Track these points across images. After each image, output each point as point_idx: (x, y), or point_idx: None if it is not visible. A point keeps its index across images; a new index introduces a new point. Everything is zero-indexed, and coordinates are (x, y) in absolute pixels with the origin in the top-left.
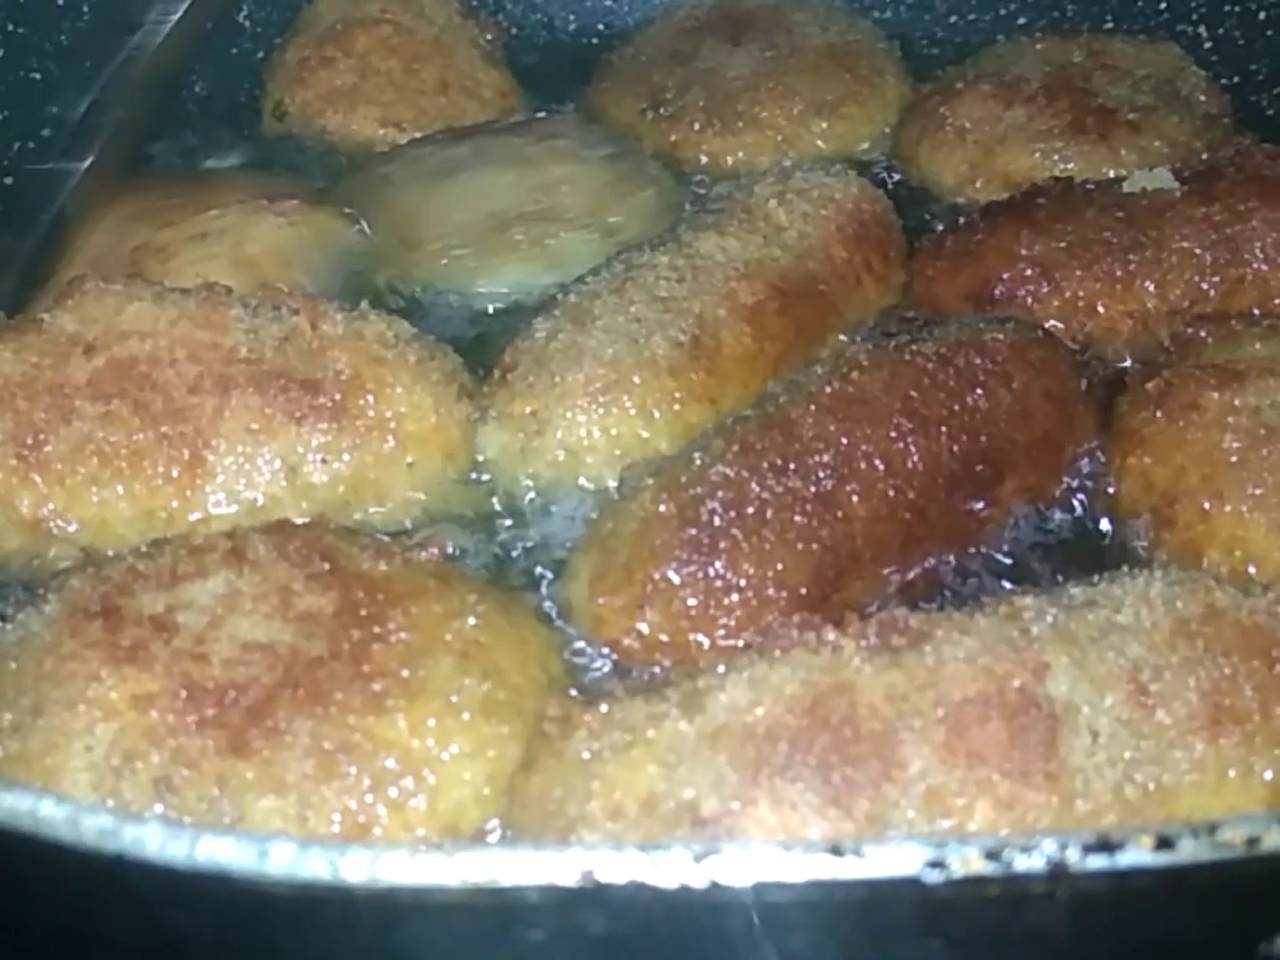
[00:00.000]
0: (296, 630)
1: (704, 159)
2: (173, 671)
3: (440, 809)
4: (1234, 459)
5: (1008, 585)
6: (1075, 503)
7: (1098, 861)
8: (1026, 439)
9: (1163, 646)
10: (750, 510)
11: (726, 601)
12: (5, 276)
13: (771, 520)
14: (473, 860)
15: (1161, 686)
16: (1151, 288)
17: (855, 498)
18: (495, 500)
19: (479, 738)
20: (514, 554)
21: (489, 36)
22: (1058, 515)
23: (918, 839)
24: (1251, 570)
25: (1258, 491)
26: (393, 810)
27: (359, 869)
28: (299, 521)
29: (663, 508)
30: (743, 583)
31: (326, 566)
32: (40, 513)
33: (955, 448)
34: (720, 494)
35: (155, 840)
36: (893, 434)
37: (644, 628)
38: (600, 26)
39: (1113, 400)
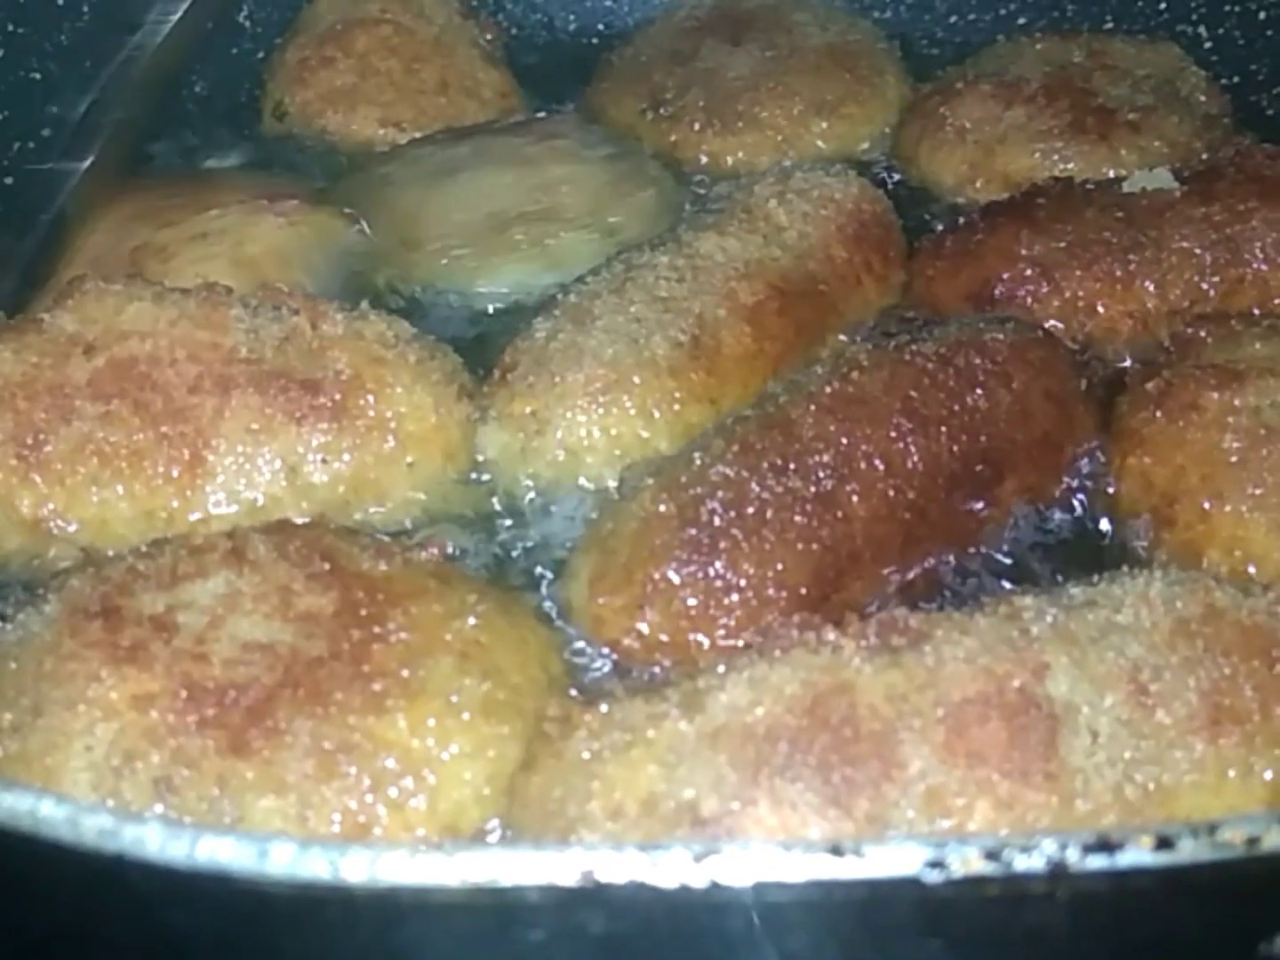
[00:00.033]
0: (296, 630)
1: (704, 159)
2: (173, 671)
3: (440, 809)
4: (1234, 459)
5: (1008, 585)
6: (1075, 503)
7: (1098, 861)
8: (1026, 439)
9: (1163, 646)
10: (750, 510)
11: (726, 601)
12: (5, 276)
13: (771, 520)
14: (473, 860)
15: (1161, 686)
16: (1151, 288)
17: (855, 498)
18: (495, 500)
19: (479, 738)
20: (514, 554)
21: (489, 36)
22: (1058, 515)
23: (918, 839)
24: (1251, 570)
25: (1258, 491)
26: (393, 810)
27: (359, 869)
28: (299, 521)
29: (663, 508)
30: (743, 583)
31: (326, 566)
32: (40, 513)
33: (955, 448)
34: (720, 494)
35: (155, 840)
36: (893, 434)
37: (644, 628)
38: (600, 26)
39: (1113, 400)
